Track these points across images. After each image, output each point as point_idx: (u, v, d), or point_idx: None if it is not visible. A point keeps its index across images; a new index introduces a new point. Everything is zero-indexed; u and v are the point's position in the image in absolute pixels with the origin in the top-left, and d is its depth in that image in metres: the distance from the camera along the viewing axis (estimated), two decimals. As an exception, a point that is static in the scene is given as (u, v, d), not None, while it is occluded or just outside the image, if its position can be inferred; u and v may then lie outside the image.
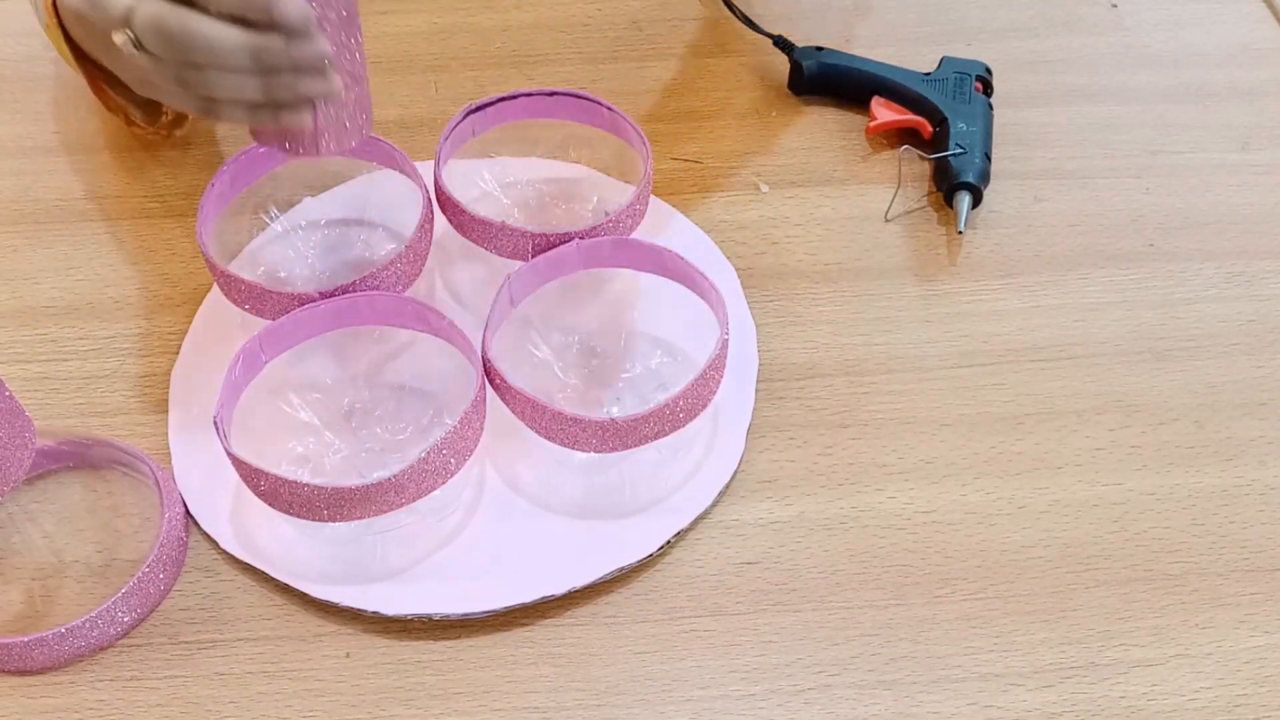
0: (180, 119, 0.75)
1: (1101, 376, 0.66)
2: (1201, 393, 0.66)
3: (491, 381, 0.59)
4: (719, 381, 0.60)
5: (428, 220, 0.64)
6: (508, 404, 0.59)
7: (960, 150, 0.73)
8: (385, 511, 0.56)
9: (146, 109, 0.72)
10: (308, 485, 0.54)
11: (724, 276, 0.70)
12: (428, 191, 0.66)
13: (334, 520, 0.55)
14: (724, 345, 0.59)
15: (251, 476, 0.55)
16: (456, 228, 0.66)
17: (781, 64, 0.81)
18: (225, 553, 0.59)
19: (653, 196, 0.71)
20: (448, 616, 0.57)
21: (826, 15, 0.86)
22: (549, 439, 0.59)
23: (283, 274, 0.68)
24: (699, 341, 0.64)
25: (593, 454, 0.60)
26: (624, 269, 0.67)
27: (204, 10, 0.54)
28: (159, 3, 0.55)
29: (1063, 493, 0.62)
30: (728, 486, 0.61)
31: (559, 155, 0.74)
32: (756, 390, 0.65)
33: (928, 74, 0.79)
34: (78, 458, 0.62)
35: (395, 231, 0.71)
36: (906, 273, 0.71)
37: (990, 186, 0.74)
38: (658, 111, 0.79)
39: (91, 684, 0.56)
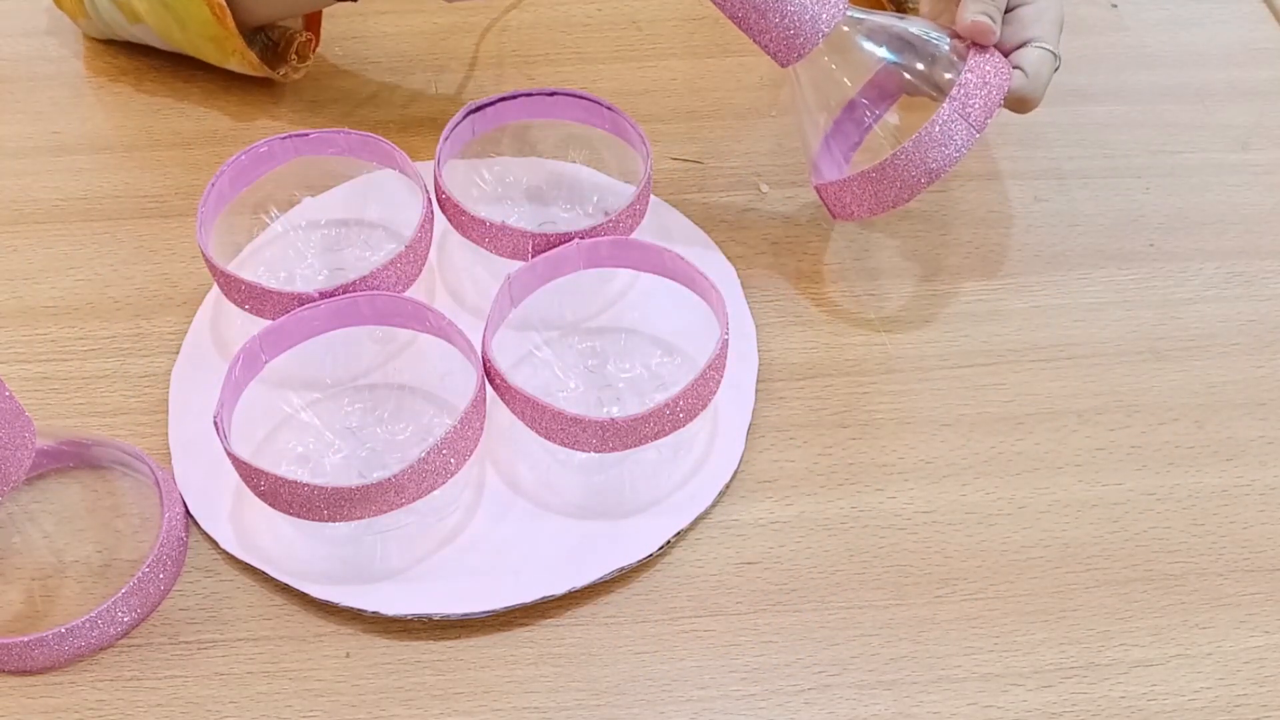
0: (302, 64, 0.79)
1: (1101, 376, 0.66)
2: (1201, 393, 0.66)
3: (491, 381, 0.59)
4: (719, 381, 0.60)
5: (428, 220, 0.64)
6: (508, 404, 0.59)
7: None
8: (385, 511, 0.56)
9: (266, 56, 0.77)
10: (308, 485, 0.54)
11: (724, 276, 0.70)
12: (428, 191, 0.66)
13: (334, 520, 0.55)
14: (724, 345, 0.59)
15: (251, 476, 0.55)
16: (456, 228, 0.66)
17: (781, 64, 0.81)
18: (225, 553, 0.59)
19: (653, 196, 0.71)
20: (448, 616, 0.57)
21: (826, 15, 0.86)
22: (549, 439, 0.59)
23: (283, 274, 0.68)
24: (699, 341, 0.64)
25: (593, 454, 0.60)
26: (624, 269, 0.67)
27: None
28: None
29: (1063, 493, 0.62)
30: (728, 486, 0.61)
31: (559, 155, 0.74)
32: (756, 390, 0.65)
33: (928, 74, 0.79)
34: (78, 458, 0.62)
35: (395, 231, 0.71)
36: (906, 273, 0.71)
37: (990, 186, 0.74)
38: (658, 111, 0.79)
39: (91, 684, 0.56)
